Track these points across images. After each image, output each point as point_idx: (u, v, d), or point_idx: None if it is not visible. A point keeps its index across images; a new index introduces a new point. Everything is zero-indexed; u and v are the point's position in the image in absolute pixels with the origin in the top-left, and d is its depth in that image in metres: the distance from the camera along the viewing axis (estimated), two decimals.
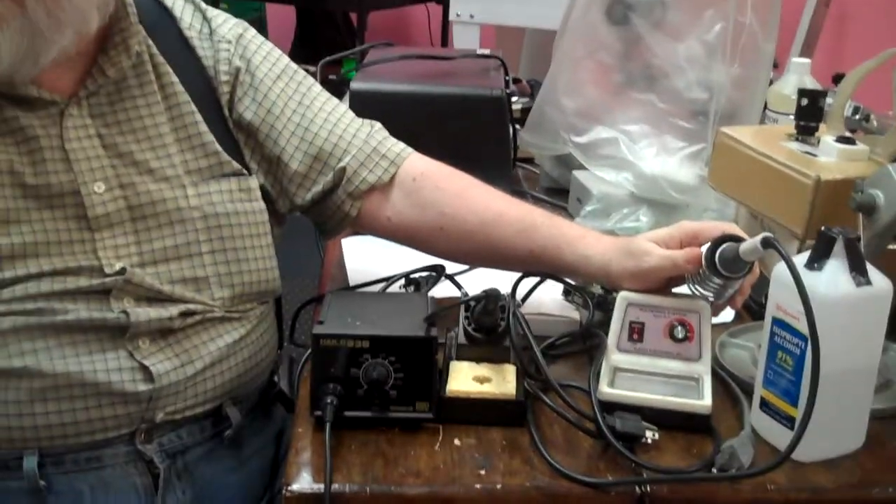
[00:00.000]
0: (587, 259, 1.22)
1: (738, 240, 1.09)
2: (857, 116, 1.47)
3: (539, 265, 1.28)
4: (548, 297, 1.33)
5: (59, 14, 1.11)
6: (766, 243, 1.03)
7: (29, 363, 1.12)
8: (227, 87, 1.29)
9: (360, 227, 1.37)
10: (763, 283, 1.13)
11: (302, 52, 5.01)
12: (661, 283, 1.16)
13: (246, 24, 1.35)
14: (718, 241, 1.10)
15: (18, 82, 1.14)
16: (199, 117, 1.26)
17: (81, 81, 1.20)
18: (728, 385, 1.20)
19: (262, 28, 5.26)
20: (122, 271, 1.17)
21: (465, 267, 1.45)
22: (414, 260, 1.41)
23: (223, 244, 1.24)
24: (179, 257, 1.21)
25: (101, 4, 1.16)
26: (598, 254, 1.21)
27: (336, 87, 1.78)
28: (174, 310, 1.19)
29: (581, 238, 1.25)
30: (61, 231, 1.16)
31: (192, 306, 1.21)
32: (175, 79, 1.25)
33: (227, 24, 1.32)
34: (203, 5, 1.33)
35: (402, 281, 1.41)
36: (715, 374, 1.17)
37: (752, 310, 1.36)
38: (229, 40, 1.30)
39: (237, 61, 1.30)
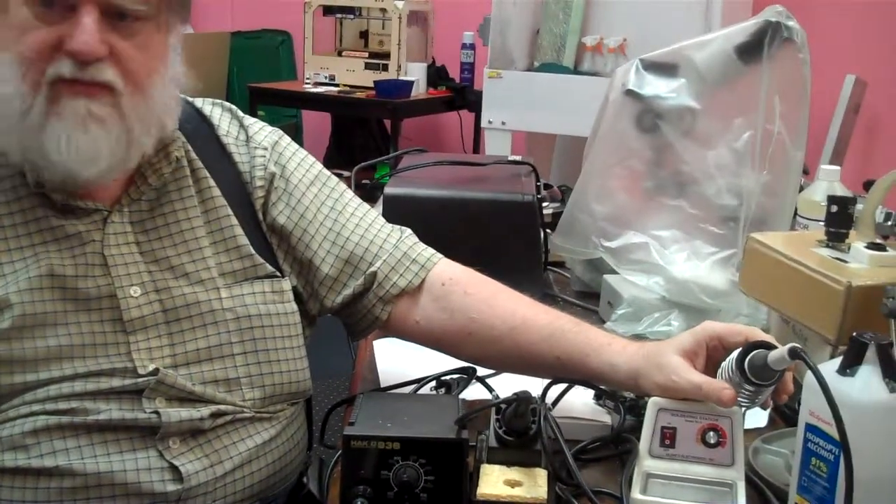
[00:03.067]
0: (613, 367, 1.22)
1: (770, 346, 1.09)
2: (890, 223, 1.47)
3: (566, 372, 1.27)
4: (579, 401, 1.33)
5: (149, 120, 1.18)
6: (794, 353, 1.03)
7: (61, 462, 1.13)
8: (261, 192, 1.32)
9: (389, 330, 1.38)
10: (796, 389, 1.12)
11: (337, 157, 5.09)
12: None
13: (281, 133, 1.39)
14: (748, 349, 1.09)
15: (88, 188, 1.19)
16: (234, 221, 1.28)
17: (125, 189, 1.23)
18: (762, 492, 1.18)
19: (297, 134, 5.36)
20: (155, 372, 1.18)
21: None
22: (445, 362, 1.41)
23: (255, 345, 1.25)
24: (212, 358, 1.23)
25: (172, 112, 1.23)
26: (624, 362, 1.20)
27: (370, 192, 1.81)
28: (205, 410, 1.20)
29: (607, 345, 1.24)
30: (97, 334, 1.18)
31: (222, 407, 1.22)
32: (212, 183, 1.29)
33: (264, 132, 1.36)
34: (240, 113, 1.37)
35: (433, 383, 1.41)
36: (749, 481, 1.16)
37: (786, 415, 1.34)
38: (265, 147, 1.34)
39: (272, 167, 1.33)
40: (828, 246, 1.37)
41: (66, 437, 1.14)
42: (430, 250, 1.38)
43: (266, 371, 1.26)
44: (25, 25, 1.12)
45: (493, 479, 1.13)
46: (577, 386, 1.31)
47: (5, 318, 1.14)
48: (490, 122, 3.71)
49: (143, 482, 1.15)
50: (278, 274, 1.31)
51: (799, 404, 1.07)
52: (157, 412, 1.17)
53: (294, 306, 1.31)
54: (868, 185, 1.64)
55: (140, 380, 1.18)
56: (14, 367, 1.14)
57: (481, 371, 1.42)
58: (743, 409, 1.12)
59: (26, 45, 1.12)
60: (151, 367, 1.18)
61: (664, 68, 1.75)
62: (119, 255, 1.21)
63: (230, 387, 1.23)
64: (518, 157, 2.10)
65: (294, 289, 1.33)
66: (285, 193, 1.33)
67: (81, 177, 1.16)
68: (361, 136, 5.23)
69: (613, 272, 1.76)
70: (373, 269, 1.33)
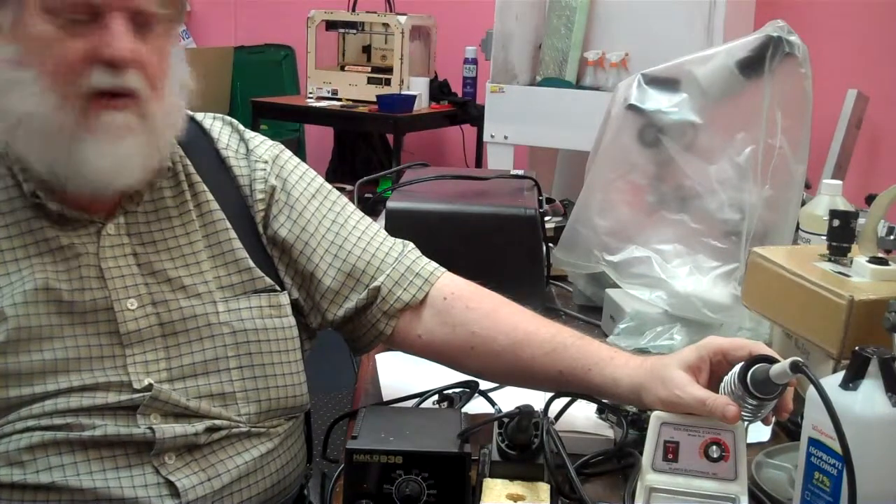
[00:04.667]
0: (616, 381, 1.21)
1: (772, 360, 1.08)
2: (892, 237, 1.47)
3: (568, 385, 1.27)
4: (581, 415, 1.33)
5: (167, 122, 1.20)
6: (795, 367, 1.03)
7: (56, 479, 1.13)
8: (262, 205, 1.32)
9: (392, 344, 1.38)
10: (799, 404, 1.12)
11: (339, 171, 5.10)
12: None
13: (282, 146, 1.39)
14: (751, 363, 1.09)
15: (88, 199, 1.19)
16: (233, 234, 1.28)
17: (119, 201, 1.23)
18: None
19: (300, 148, 5.37)
20: (149, 388, 1.18)
21: None
22: (447, 376, 1.41)
23: (251, 360, 1.25)
24: (207, 372, 1.22)
25: (182, 113, 1.25)
26: (627, 376, 1.20)
27: (372, 206, 1.81)
28: (200, 425, 1.20)
29: (610, 360, 1.24)
30: (93, 347, 1.18)
31: (217, 422, 1.21)
32: (210, 197, 1.29)
33: (264, 146, 1.36)
34: (241, 127, 1.38)
35: (436, 396, 1.41)
36: (752, 495, 1.15)
37: (789, 430, 1.34)
38: (266, 160, 1.34)
39: (273, 180, 1.33)
40: (830, 260, 1.37)
41: (63, 454, 1.14)
42: (433, 264, 1.38)
43: (262, 386, 1.26)
44: (49, 39, 1.11)
45: (495, 493, 1.13)
46: (579, 400, 1.31)
47: (0, 331, 1.14)
48: (492, 137, 3.71)
49: (140, 498, 1.15)
50: (277, 287, 1.31)
51: (802, 418, 1.07)
52: (151, 428, 1.17)
53: (292, 321, 1.31)
54: (870, 200, 1.64)
55: (135, 395, 1.17)
56: (9, 380, 1.14)
57: (484, 385, 1.42)
58: (745, 423, 1.12)
59: (54, 59, 1.11)
60: (146, 382, 1.18)
61: (666, 83, 1.75)
62: (116, 268, 1.21)
63: (225, 401, 1.23)
64: (520, 172, 2.10)
65: (295, 301, 1.33)
66: (286, 206, 1.33)
67: (113, 187, 1.17)
68: (364, 151, 5.24)
69: (616, 286, 1.76)
70: (376, 283, 1.33)
